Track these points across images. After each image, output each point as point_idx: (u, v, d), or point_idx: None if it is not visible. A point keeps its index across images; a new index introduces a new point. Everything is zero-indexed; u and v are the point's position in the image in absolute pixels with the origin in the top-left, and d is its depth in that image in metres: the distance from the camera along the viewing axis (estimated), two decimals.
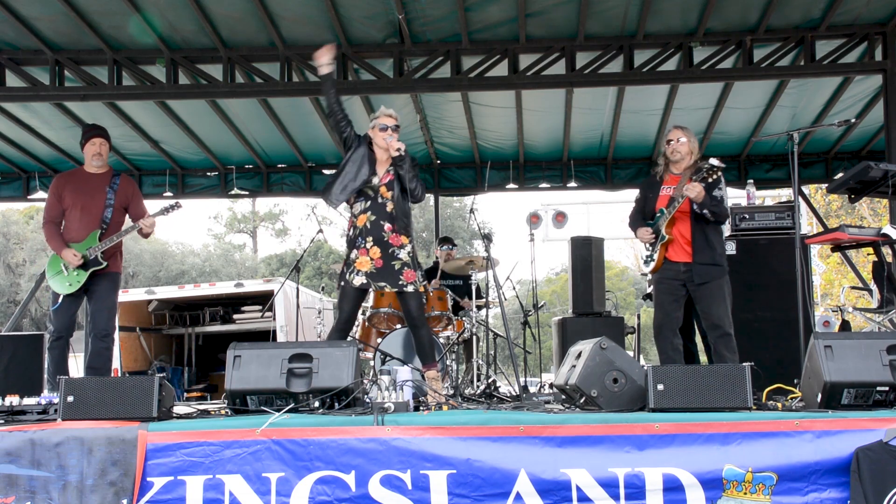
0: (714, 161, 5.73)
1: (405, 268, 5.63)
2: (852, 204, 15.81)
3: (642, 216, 6.13)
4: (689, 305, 7.19)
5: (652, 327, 6.09)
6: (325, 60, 5.74)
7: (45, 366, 6.57)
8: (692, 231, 5.85)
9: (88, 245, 6.21)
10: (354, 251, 5.65)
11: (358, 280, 5.61)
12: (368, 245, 5.61)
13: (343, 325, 5.69)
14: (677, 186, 5.90)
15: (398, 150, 5.58)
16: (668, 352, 5.92)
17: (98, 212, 6.30)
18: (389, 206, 5.64)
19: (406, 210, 5.70)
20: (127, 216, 6.52)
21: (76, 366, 6.63)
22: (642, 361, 7.61)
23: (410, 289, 5.64)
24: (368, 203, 5.64)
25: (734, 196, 8.40)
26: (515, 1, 7.13)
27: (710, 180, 5.76)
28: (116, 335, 10.03)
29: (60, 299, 6.22)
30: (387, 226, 5.62)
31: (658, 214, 5.96)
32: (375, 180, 5.66)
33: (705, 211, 5.75)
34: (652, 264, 6.00)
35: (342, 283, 5.69)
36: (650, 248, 6.06)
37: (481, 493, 4.07)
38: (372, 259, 5.60)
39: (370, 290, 5.78)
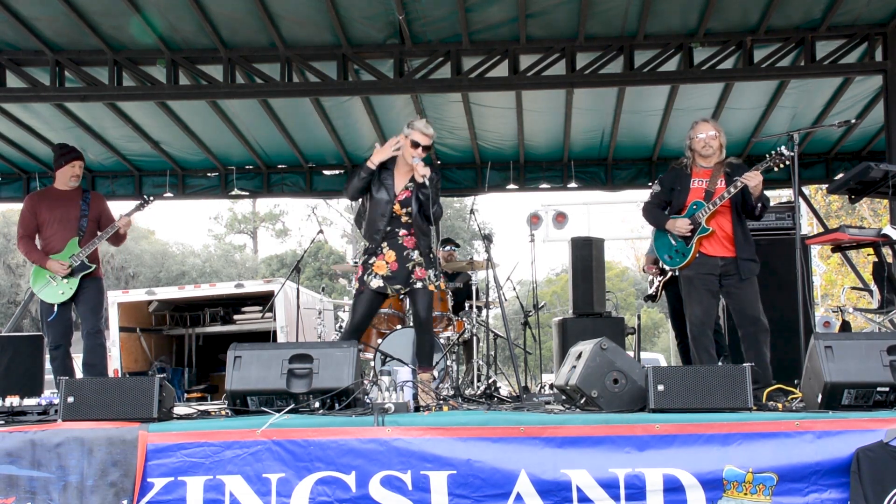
0: (784, 150, 5.54)
1: (417, 267, 5.67)
2: (852, 204, 15.79)
3: (662, 209, 6.00)
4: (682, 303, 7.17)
5: (690, 325, 5.83)
6: (387, 155, 5.68)
7: (46, 366, 6.62)
8: (733, 225, 5.74)
9: (70, 253, 6.43)
10: (373, 258, 5.70)
11: (375, 283, 5.66)
12: (385, 250, 5.68)
13: (356, 326, 5.71)
14: (710, 180, 5.78)
15: (423, 176, 5.59)
16: (709, 350, 5.74)
17: (74, 221, 6.53)
18: (404, 219, 5.71)
19: (425, 229, 5.73)
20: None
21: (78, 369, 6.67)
22: (662, 360, 7.56)
23: (419, 285, 5.65)
24: (386, 219, 5.69)
25: None
26: (516, 2, 7.12)
27: (776, 169, 5.63)
28: (117, 336, 10.13)
29: (55, 309, 6.38)
30: (402, 232, 5.68)
31: (694, 207, 5.80)
32: (392, 197, 5.68)
33: (759, 203, 5.62)
34: (684, 259, 5.82)
35: (360, 287, 5.69)
36: (678, 241, 5.86)
37: (482, 493, 4.07)
38: (387, 262, 5.65)
39: (388, 294, 5.77)
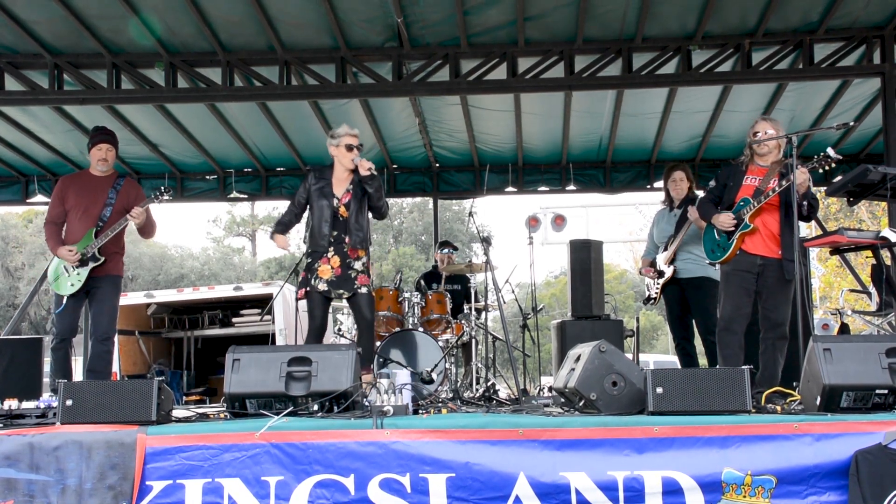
0: (831, 152, 5.54)
1: (360, 275, 6.01)
2: (851, 207, 15.81)
3: (715, 204, 5.98)
4: (686, 304, 7.17)
5: (718, 320, 5.80)
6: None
7: (44, 369, 6.57)
8: (781, 225, 5.69)
9: (85, 243, 6.18)
10: (318, 262, 5.99)
11: (321, 286, 5.96)
12: (330, 255, 5.97)
13: (317, 331, 6.01)
14: (764, 178, 5.75)
15: (369, 169, 5.90)
16: (734, 348, 5.67)
17: (97, 211, 6.26)
18: (349, 223, 6.00)
19: (362, 224, 6.05)
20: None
21: (78, 369, 6.61)
22: (677, 363, 7.49)
23: (364, 290, 6.00)
24: (330, 222, 6.00)
25: None
26: (514, 4, 7.13)
27: (820, 171, 5.63)
28: (115, 338, 10.10)
29: (64, 301, 6.19)
30: (346, 239, 5.99)
31: (741, 203, 5.78)
32: (335, 202, 6.01)
33: (804, 202, 5.59)
34: (724, 254, 5.79)
35: (307, 290, 6.01)
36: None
37: (480, 496, 4.07)
38: (332, 268, 5.96)
39: (331, 297, 6.05)
